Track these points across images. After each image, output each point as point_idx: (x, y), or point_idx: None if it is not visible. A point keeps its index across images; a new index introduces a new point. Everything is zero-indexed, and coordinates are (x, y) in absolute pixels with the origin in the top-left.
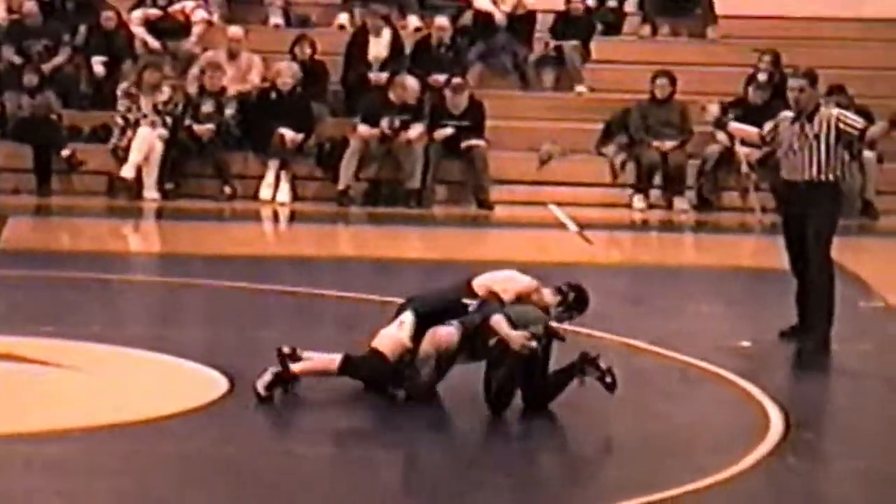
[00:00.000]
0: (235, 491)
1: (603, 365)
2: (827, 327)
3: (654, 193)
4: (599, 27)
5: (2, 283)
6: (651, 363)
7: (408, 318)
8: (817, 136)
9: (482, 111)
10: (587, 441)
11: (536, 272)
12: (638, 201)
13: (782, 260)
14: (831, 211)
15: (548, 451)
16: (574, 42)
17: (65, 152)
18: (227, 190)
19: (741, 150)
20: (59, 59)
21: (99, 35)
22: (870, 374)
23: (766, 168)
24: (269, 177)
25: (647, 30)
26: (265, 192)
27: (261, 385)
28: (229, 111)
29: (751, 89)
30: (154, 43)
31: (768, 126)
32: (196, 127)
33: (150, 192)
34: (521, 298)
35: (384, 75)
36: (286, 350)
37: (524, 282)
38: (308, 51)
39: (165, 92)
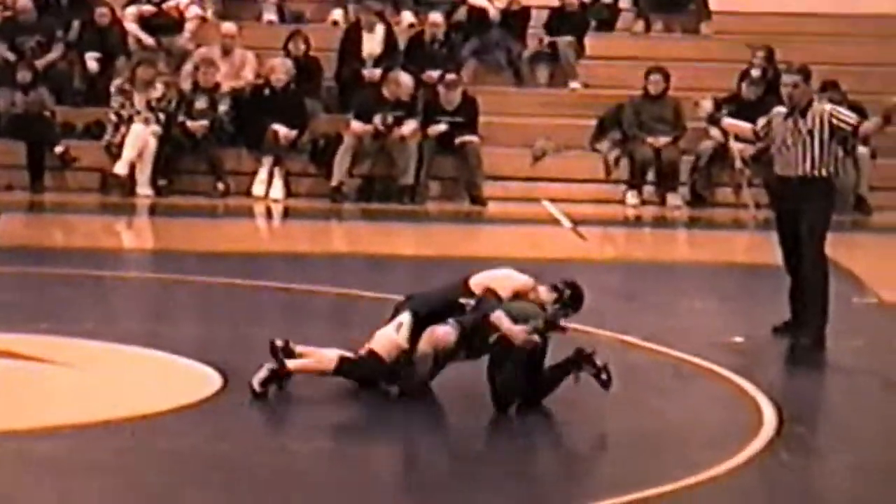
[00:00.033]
0: (229, 487)
1: (599, 362)
2: (822, 323)
3: (648, 189)
4: (593, 23)
5: None
6: (645, 359)
7: (405, 319)
8: (811, 132)
9: (476, 107)
10: (581, 437)
11: (530, 268)
12: (631, 197)
13: (776, 256)
14: (824, 207)
15: (542, 447)
16: (568, 38)
17: (58, 149)
18: (221, 186)
19: (734, 146)
20: (52, 56)
21: (92, 31)
22: (862, 369)
23: (760, 164)
24: (263, 173)
25: (640, 26)
26: (258, 189)
27: (256, 381)
28: (223, 108)
29: (744, 85)
30: (148, 39)
31: (762, 122)
32: (189, 123)
33: (144, 189)
34: (517, 296)
35: (378, 71)
36: (279, 343)
37: (521, 280)
38: (302, 47)
39: (159, 88)
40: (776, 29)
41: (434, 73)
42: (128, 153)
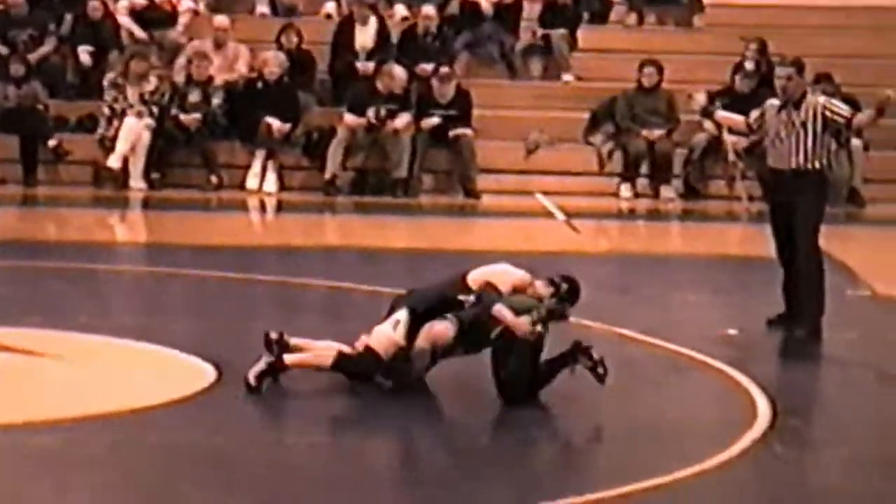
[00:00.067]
0: (224, 481)
1: (595, 355)
2: (818, 316)
3: (641, 182)
4: (586, 16)
5: None
6: (639, 352)
7: (402, 316)
8: (804, 124)
9: (469, 100)
10: (577, 429)
11: (524, 262)
12: (625, 190)
13: (769, 248)
14: (818, 199)
15: (538, 439)
16: (561, 31)
17: (51, 142)
18: (214, 179)
19: (728, 139)
20: (45, 49)
21: (85, 25)
22: (856, 362)
23: (753, 156)
24: (256, 166)
25: (633, 18)
26: (252, 182)
27: (252, 374)
28: (216, 101)
29: (738, 78)
30: (140, 33)
31: (755, 114)
32: (183, 116)
33: (137, 182)
34: (516, 290)
35: (371, 64)
36: (273, 336)
37: (518, 275)
38: (295, 40)
39: (152, 82)
40: (769, 21)
41: (427, 67)
42: (121, 146)
